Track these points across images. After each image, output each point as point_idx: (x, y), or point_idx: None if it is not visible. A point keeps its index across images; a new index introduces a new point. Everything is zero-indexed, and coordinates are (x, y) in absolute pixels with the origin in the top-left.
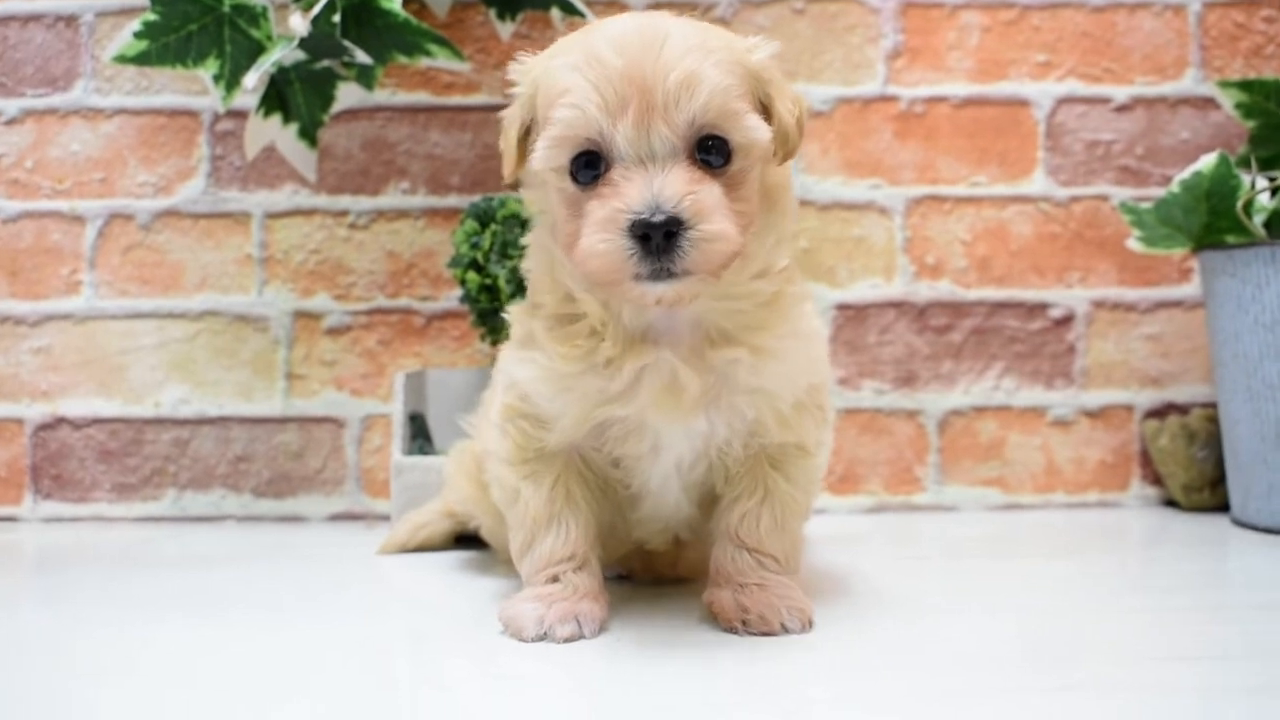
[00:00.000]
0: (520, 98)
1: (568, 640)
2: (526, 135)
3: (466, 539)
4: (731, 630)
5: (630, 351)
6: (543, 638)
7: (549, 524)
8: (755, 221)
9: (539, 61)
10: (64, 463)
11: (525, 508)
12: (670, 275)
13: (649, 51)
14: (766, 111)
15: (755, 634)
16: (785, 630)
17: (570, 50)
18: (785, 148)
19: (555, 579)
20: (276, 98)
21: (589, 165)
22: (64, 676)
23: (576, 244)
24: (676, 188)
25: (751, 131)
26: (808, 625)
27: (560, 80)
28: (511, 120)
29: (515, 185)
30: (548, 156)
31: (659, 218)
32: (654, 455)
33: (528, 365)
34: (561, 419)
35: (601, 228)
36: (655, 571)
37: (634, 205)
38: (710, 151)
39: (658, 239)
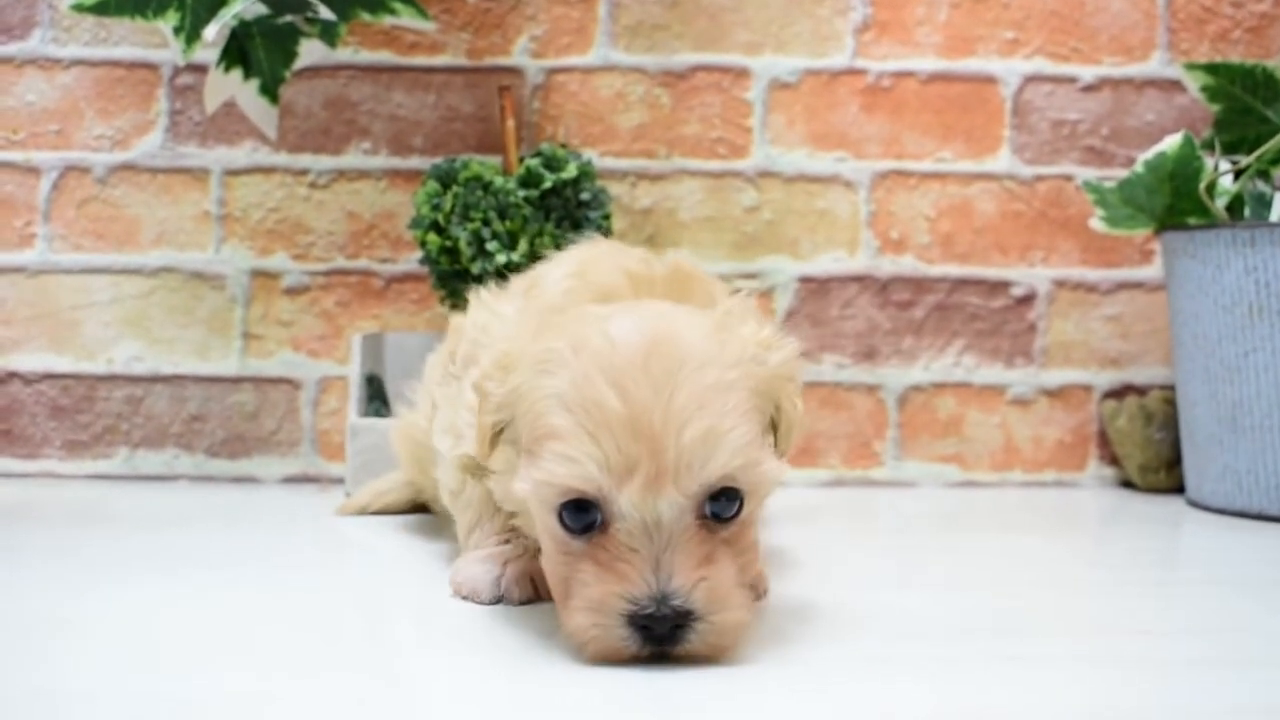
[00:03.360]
0: (495, 402)
1: (524, 603)
2: (499, 433)
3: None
4: None
5: None
6: (499, 600)
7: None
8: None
9: (521, 369)
10: (14, 418)
11: (473, 493)
12: (672, 656)
13: (659, 396)
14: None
15: None
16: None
17: (559, 370)
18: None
19: (507, 542)
20: (237, 52)
21: (581, 510)
22: (11, 634)
23: (565, 603)
24: (686, 575)
25: (770, 475)
26: (764, 593)
27: (549, 417)
28: (486, 417)
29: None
30: (535, 494)
31: (665, 611)
32: None
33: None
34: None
35: (595, 610)
36: None
37: (635, 594)
38: (720, 500)
39: (662, 630)
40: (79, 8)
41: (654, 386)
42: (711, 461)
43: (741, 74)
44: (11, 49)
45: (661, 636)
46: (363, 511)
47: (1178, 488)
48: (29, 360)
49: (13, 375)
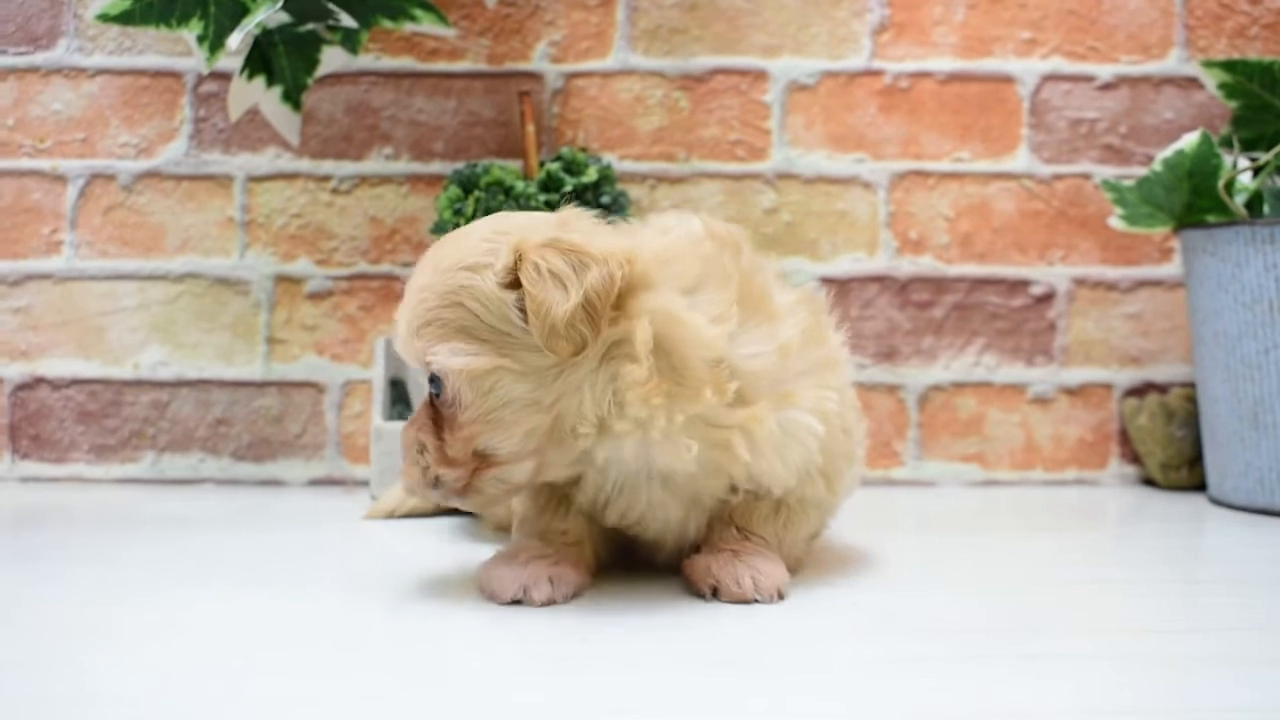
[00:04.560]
0: None
1: (545, 604)
2: None
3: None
4: (701, 596)
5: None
6: (519, 601)
7: (548, 503)
8: (477, 440)
9: None
10: (43, 423)
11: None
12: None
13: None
14: None
15: (725, 601)
16: (753, 599)
17: None
18: (551, 344)
19: (544, 540)
20: (260, 60)
21: None
22: (37, 635)
23: None
24: (412, 430)
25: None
26: (775, 596)
27: None
28: None
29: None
30: None
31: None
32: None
33: None
34: None
35: None
36: None
37: None
38: (432, 382)
39: None
40: (104, 17)
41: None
42: (407, 340)
43: (760, 76)
44: (38, 59)
45: None
46: (391, 515)
47: (1199, 485)
48: (57, 366)
49: (41, 380)
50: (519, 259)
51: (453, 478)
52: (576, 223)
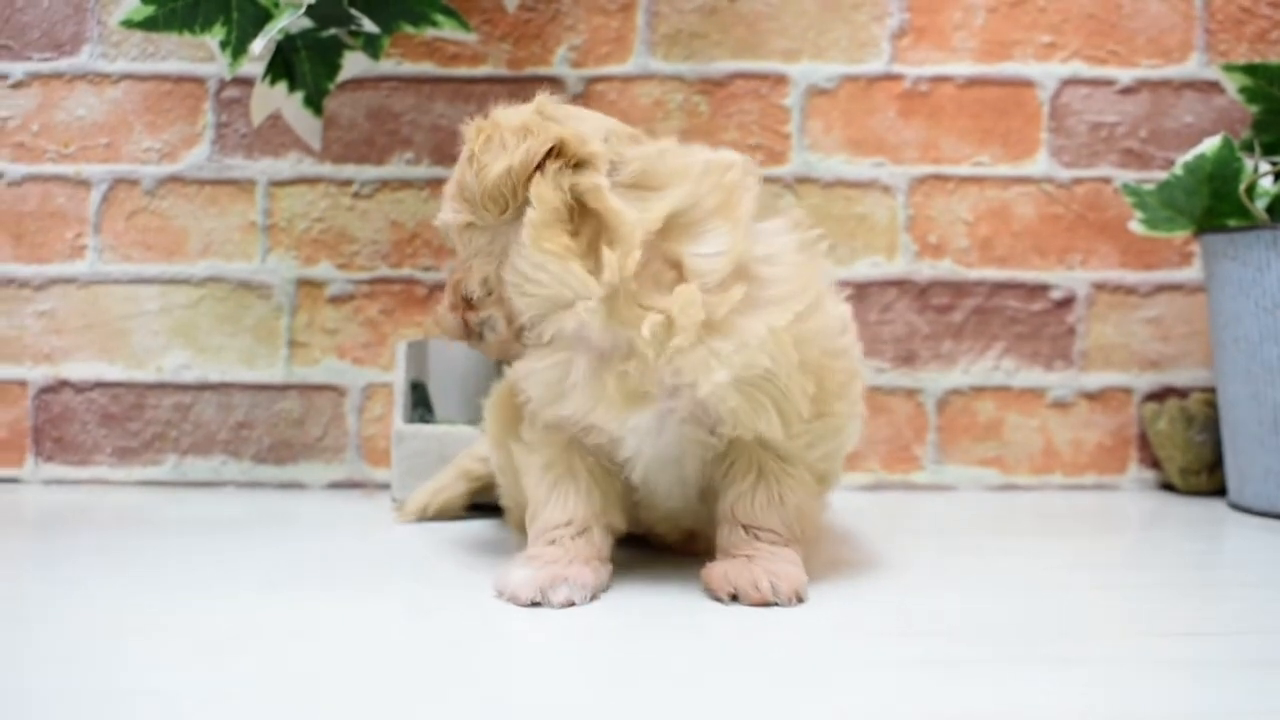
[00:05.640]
0: None
1: (564, 605)
2: None
3: (480, 507)
4: (720, 602)
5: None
6: (538, 603)
7: (550, 492)
8: (477, 281)
9: None
10: (66, 426)
11: (530, 477)
12: None
13: None
14: None
15: (745, 605)
16: (773, 601)
17: None
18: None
19: (553, 543)
20: (283, 65)
21: None
22: (61, 638)
23: None
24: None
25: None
26: (794, 598)
27: None
28: None
29: None
30: None
31: None
32: (618, 448)
33: None
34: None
35: None
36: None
37: None
38: None
39: None
40: (128, 23)
41: None
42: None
43: (779, 81)
44: (62, 64)
45: None
46: (423, 513)
47: (1219, 490)
48: (80, 369)
49: (64, 384)
50: (478, 132)
51: (452, 319)
52: (550, 108)
